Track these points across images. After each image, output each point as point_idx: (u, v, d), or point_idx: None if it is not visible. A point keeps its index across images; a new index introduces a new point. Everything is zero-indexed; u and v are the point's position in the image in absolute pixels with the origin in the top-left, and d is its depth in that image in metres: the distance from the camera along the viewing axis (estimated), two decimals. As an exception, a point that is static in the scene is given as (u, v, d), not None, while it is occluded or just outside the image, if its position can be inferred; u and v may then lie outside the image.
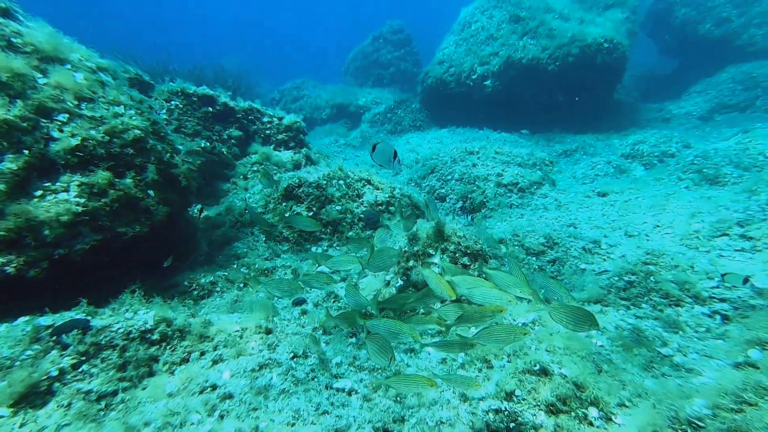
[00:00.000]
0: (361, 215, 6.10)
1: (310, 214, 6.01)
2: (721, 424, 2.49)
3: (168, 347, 3.01)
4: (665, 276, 4.64)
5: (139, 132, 3.67)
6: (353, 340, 3.82)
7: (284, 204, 5.96)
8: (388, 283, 4.64)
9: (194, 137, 6.03)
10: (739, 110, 12.60)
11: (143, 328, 2.93)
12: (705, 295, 4.46)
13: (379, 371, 3.27)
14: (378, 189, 6.57)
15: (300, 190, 6.06)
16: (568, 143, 11.18)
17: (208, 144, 6.13)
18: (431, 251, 4.57)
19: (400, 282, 4.62)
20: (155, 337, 2.97)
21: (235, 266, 4.88)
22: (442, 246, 4.56)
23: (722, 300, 4.38)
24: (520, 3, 12.89)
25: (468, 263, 4.55)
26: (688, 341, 4.14)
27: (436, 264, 4.35)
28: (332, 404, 2.83)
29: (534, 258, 5.88)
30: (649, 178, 7.97)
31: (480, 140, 8.76)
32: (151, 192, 3.71)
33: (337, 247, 5.78)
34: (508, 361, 3.68)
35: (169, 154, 3.99)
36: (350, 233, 5.95)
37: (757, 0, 13.61)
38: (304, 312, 4.20)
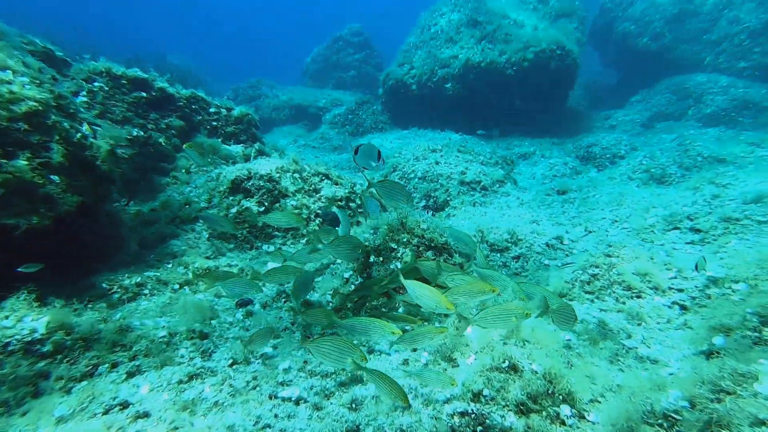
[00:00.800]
0: (319, 211, 5.67)
1: (262, 209, 5.50)
2: (700, 415, 2.32)
3: (66, 360, 2.43)
4: (627, 268, 4.60)
5: (35, 104, 3.04)
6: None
7: (231, 198, 5.41)
8: (346, 281, 4.24)
9: (124, 124, 5.31)
10: (674, 119, 13.45)
11: (29, 339, 2.34)
12: (665, 286, 4.45)
13: (336, 375, 2.86)
14: (337, 184, 6.18)
15: (249, 183, 5.54)
16: (526, 147, 11.37)
17: (142, 133, 5.43)
18: (394, 245, 4.23)
19: (360, 280, 4.25)
20: (47, 348, 2.39)
21: (170, 265, 4.28)
22: (406, 239, 4.24)
23: (680, 290, 4.39)
24: (478, 7, 13.10)
25: (433, 257, 4.26)
26: (651, 332, 4.08)
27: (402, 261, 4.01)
28: (276, 416, 2.39)
29: (498, 254, 5.73)
30: (603, 178, 8.17)
31: (442, 140, 8.62)
32: (55, 178, 3.09)
33: (292, 245, 5.31)
34: (475, 359, 3.40)
35: (80, 135, 3.37)
36: (308, 228, 5.51)
37: (686, 18, 14.73)
38: (249, 314, 3.70)
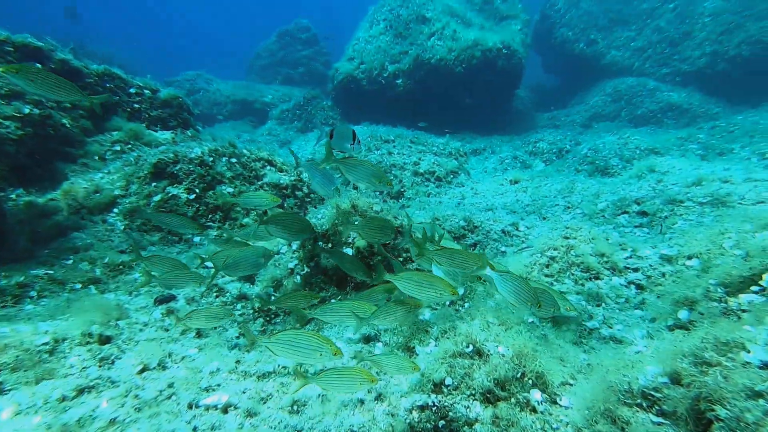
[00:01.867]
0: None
1: (192, 197, 4.81)
2: (685, 391, 2.11)
3: None
4: (585, 249, 4.51)
5: None
6: (241, 341, 2.83)
7: (154, 184, 4.68)
8: (291, 272, 3.72)
9: (10, 100, 4.36)
10: (610, 119, 14.27)
11: None
12: (621, 265, 4.41)
13: (276, 374, 2.35)
14: (282, 171, 5.62)
15: (177, 168, 4.83)
16: (477, 143, 11.42)
17: (37, 111, 4.50)
18: (342, 228, 3.78)
19: (307, 269, 3.74)
20: None
21: (69, 262, 3.51)
22: (357, 221, 3.80)
23: (636, 270, 4.37)
24: (425, 4, 13.08)
25: (388, 242, 3.85)
26: (611, 312, 3.98)
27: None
28: (195, 429, 1.85)
29: (455, 242, 5.49)
30: (551, 170, 8.29)
31: (396, 132, 8.34)
32: None
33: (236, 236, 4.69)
34: (435, 345, 3.05)
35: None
36: (246, 219, 4.90)
37: (616, 26, 15.81)
38: (170, 312, 3.07)
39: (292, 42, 21.04)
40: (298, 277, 3.71)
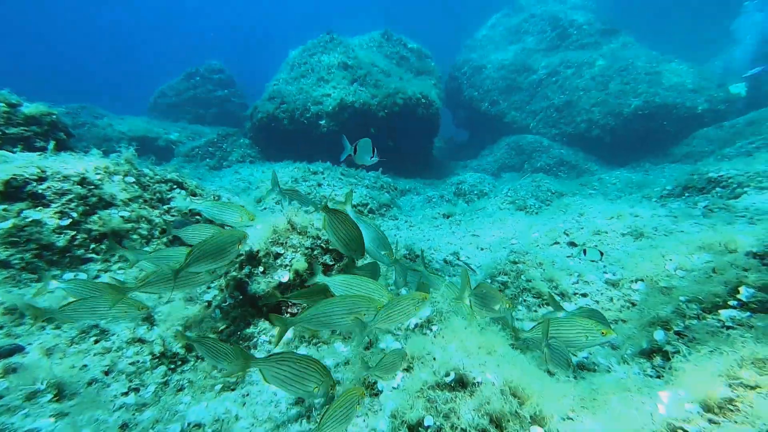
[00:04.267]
0: (165, 227, 4.09)
1: (66, 222, 3.66)
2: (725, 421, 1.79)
3: None
4: (534, 274, 4.36)
5: None
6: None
7: (2, 207, 3.46)
8: (208, 305, 2.83)
9: None
10: (515, 170, 15.73)
11: None
12: (570, 291, 4.33)
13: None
14: (195, 195, 4.70)
15: (43, 186, 3.68)
16: (402, 184, 11.48)
17: None
18: (279, 249, 3.07)
19: (230, 300, 2.89)
20: None
21: None
22: (296, 241, 3.13)
23: (584, 295, 4.31)
24: (347, 52, 13.48)
25: (331, 263, 3.23)
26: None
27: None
28: None
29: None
30: (478, 206, 8.49)
31: (323, 165, 7.88)
32: None
33: (120, 270, 3.58)
34: (407, 376, 2.43)
35: None
36: (147, 248, 3.84)
37: (513, 91, 18.09)
38: (10, 370, 1.98)
39: (203, 82, 20.05)
40: (218, 311, 2.84)
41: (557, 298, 4.35)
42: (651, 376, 2.66)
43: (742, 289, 2.28)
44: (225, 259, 2.36)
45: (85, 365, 2.28)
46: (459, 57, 20.00)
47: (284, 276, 3.11)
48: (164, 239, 3.99)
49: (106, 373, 2.34)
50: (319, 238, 3.30)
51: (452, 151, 18.72)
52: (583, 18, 18.00)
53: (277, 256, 3.07)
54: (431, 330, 2.90)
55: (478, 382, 2.22)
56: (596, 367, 3.16)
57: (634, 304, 3.76)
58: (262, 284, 2.98)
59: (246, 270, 2.96)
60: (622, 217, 5.84)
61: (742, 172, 6.53)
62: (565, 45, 17.91)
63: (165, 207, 4.33)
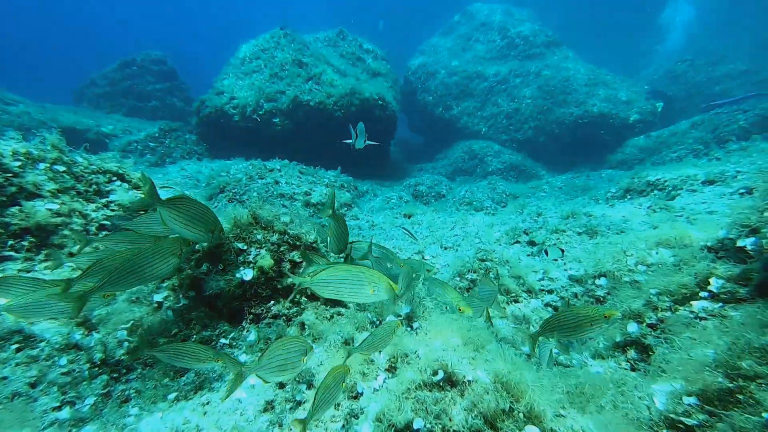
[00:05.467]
0: (106, 222, 3.59)
1: (-23, 215, 3.07)
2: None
3: None
4: (502, 271, 4.38)
5: None
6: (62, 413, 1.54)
7: None
8: (158, 306, 2.47)
9: None
10: (468, 174, 16.16)
11: None
12: (536, 287, 4.39)
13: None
14: (138, 188, 4.20)
15: (-50, 169, 3.07)
16: (359, 185, 11.29)
17: None
18: (241, 245, 2.77)
19: (183, 301, 2.55)
20: None
21: None
22: (261, 236, 2.85)
23: (550, 291, 4.40)
24: (302, 50, 13.10)
25: (299, 260, 2.99)
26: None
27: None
28: None
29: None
30: (438, 206, 8.53)
31: (281, 163, 7.48)
32: None
33: (46, 270, 3.05)
34: (390, 377, 2.26)
35: None
36: (78, 248, 3.32)
37: (465, 97, 18.64)
38: None
39: (141, 72, 18.55)
40: (169, 312, 2.48)
41: (524, 295, 4.40)
42: (626, 369, 2.70)
43: (712, 280, 2.37)
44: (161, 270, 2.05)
45: (5, 377, 1.85)
46: (413, 62, 20.26)
47: (247, 274, 2.82)
48: (102, 236, 3.49)
49: (33, 386, 1.93)
50: (286, 233, 3.04)
51: (408, 154, 18.87)
52: (529, 30, 18.98)
53: (240, 252, 2.77)
54: (411, 327, 2.75)
55: (468, 381, 2.10)
56: (570, 362, 3.19)
57: (598, 300, 3.87)
58: (221, 283, 2.66)
59: (204, 268, 2.63)
60: (577, 217, 6.09)
61: (675, 176, 7.09)
62: (513, 54, 18.77)
63: (103, 200, 3.81)
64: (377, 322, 2.84)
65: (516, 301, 4.31)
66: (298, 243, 3.08)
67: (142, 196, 2.38)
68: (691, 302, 2.38)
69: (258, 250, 2.85)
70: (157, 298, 2.53)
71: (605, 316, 1.98)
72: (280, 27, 14.31)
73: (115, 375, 2.40)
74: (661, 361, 2.03)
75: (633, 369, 2.61)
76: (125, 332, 2.45)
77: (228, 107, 12.00)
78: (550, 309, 4.20)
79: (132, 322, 2.57)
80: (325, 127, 12.28)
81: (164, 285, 2.64)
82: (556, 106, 16.79)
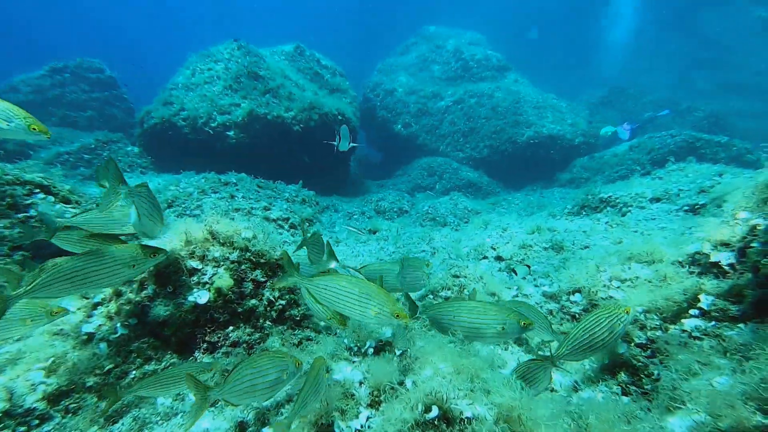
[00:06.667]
0: (20, 235, 2.99)
1: None
2: None
3: None
4: (478, 287, 4.21)
5: None
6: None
7: None
8: (89, 338, 1.99)
9: None
10: (429, 190, 16.28)
11: None
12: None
13: None
14: (68, 202, 3.61)
15: None
16: (320, 201, 10.91)
17: None
18: (195, 264, 2.37)
19: (122, 331, 2.09)
20: None
21: None
22: (219, 253, 2.46)
23: (522, 308, 4.28)
24: (258, 62, 12.67)
25: (263, 279, 2.62)
26: (524, 357, 3.65)
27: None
28: None
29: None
30: (402, 222, 8.36)
31: (236, 176, 6.97)
32: None
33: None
34: (374, 413, 1.95)
35: None
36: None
37: (423, 116, 18.98)
38: None
39: (74, 80, 17.07)
40: (102, 345, 2.02)
41: (500, 312, 4.26)
42: (617, 393, 2.56)
43: (701, 296, 2.31)
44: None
45: None
46: (371, 79, 20.41)
47: (202, 296, 2.41)
48: (17, 257, 2.90)
49: None
50: (248, 250, 2.68)
51: (367, 170, 18.75)
52: (482, 54, 19.84)
53: (193, 272, 2.36)
54: (394, 353, 2.45)
55: (467, 418, 1.84)
56: (555, 390, 3.03)
57: (573, 317, 3.80)
58: (170, 307, 2.24)
59: (149, 290, 2.20)
60: (542, 232, 6.14)
61: (626, 194, 7.43)
62: (467, 76, 19.46)
63: (20, 216, 3.21)
64: (355, 349, 2.52)
65: (492, 320, 4.16)
66: (262, 261, 2.71)
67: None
68: (682, 320, 2.31)
69: (215, 268, 2.46)
70: (87, 329, 2.06)
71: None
72: (234, 39, 13.80)
73: (22, 429, 1.89)
74: (670, 388, 1.89)
75: (624, 393, 2.48)
76: (42, 373, 1.96)
77: (177, 119, 11.23)
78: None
79: (52, 359, 2.08)
80: (284, 141, 11.84)
81: (97, 312, 2.16)
82: (509, 126, 17.49)
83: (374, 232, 6.88)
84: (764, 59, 27.98)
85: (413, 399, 1.94)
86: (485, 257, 5.87)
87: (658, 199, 7.06)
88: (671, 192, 6.99)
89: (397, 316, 2.00)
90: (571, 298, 4.03)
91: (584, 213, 7.90)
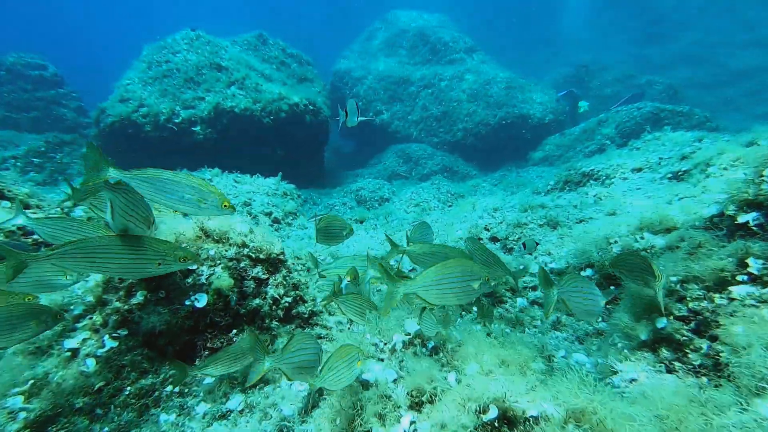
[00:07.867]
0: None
1: None
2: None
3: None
4: (484, 271, 4.06)
5: None
6: None
7: None
8: (73, 354, 1.66)
9: None
10: (404, 178, 16.10)
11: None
12: (520, 285, 4.15)
13: None
14: (30, 207, 3.13)
15: None
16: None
17: None
18: (190, 264, 2.06)
19: (111, 344, 1.77)
20: None
21: None
22: (214, 251, 2.16)
23: (533, 288, 4.18)
24: (218, 52, 11.97)
25: (264, 276, 2.34)
26: (536, 336, 3.54)
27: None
28: None
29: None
30: (386, 210, 8.13)
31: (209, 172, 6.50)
32: None
33: None
34: (417, 415, 1.74)
35: None
36: None
37: (395, 102, 18.69)
38: None
39: (13, 79, 15.66)
40: (90, 361, 1.70)
41: (507, 294, 4.14)
42: (661, 371, 2.43)
43: (750, 260, 2.21)
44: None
45: None
46: (339, 67, 19.87)
47: (200, 300, 2.11)
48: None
49: None
50: (245, 246, 2.37)
51: (340, 160, 18.33)
52: (449, 36, 19.66)
53: (187, 273, 2.05)
54: (426, 348, 2.23)
55: (532, 417, 1.64)
56: (582, 367, 2.90)
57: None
58: (165, 315, 1.92)
59: (138, 297, 1.87)
60: (534, 209, 6.07)
61: (607, 166, 7.47)
62: (436, 59, 19.26)
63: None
64: (381, 345, 2.28)
65: (501, 302, 4.03)
66: (261, 256, 2.42)
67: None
68: (729, 288, 2.20)
69: (211, 268, 2.15)
70: (70, 344, 1.72)
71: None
72: (191, 28, 12.96)
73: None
74: (745, 365, 1.76)
75: (669, 371, 2.36)
76: (21, 398, 1.62)
77: (136, 116, 10.44)
78: (537, 307, 3.98)
79: (32, 381, 1.73)
80: (254, 134, 11.28)
81: (80, 325, 1.82)
82: (481, 108, 17.49)
83: (362, 222, 6.62)
84: (710, 31, 29.41)
85: (463, 398, 1.73)
86: (480, 238, 5.74)
87: (639, 169, 7.12)
88: (651, 161, 7.07)
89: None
90: (582, 273, 3.95)
91: (568, 188, 7.91)
